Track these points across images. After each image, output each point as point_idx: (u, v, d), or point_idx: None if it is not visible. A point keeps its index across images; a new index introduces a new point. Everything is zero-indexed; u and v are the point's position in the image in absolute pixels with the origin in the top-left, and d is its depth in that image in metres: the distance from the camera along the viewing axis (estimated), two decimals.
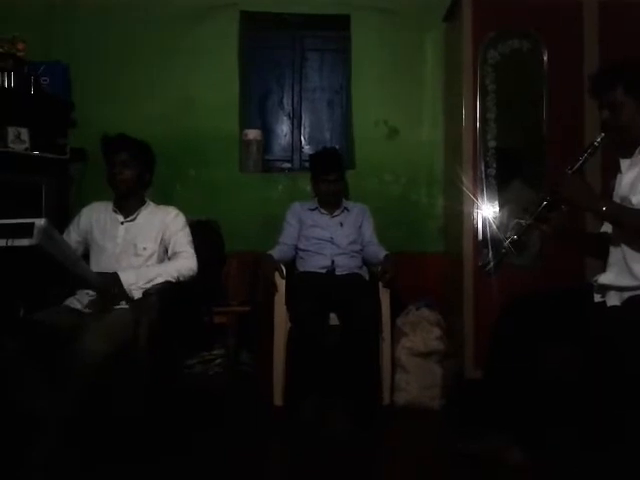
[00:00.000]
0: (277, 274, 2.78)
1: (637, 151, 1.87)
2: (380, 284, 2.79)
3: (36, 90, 3.10)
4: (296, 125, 3.68)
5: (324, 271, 2.85)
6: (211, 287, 2.69)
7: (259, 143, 3.48)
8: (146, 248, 2.26)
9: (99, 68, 3.38)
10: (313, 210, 3.00)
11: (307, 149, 3.65)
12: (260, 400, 2.74)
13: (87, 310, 2.16)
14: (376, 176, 3.43)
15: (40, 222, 1.56)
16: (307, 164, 3.25)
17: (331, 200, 2.98)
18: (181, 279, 2.22)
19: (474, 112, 2.97)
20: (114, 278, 2.10)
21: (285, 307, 2.73)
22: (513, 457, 1.97)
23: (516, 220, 2.02)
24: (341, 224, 2.96)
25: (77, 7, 3.38)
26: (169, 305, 2.16)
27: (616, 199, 1.94)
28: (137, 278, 2.13)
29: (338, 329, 2.66)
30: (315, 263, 2.88)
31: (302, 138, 3.69)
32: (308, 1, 3.45)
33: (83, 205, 2.48)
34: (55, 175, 3.08)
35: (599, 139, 1.87)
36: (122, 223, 2.30)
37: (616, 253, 1.91)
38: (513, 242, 1.94)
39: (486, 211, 2.97)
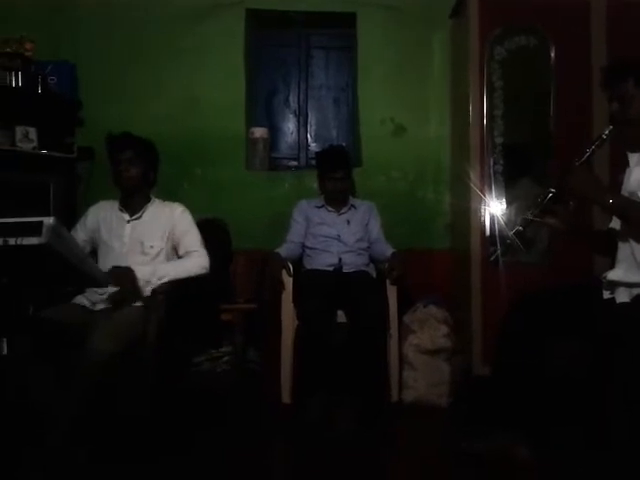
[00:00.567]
0: (284, 272, 2.78)
1: None
2: (387, 281, 2.79)
3: (43, 89, 3.11)
4: (302, 123, 3.68)
5: (331, 269, 2.85)
6: (218, 285, 2.70)
7: (265, 141, 3.48)
8: (153, 246, 2.28)
9: (106, 67, 3.39)
10: (320, 208, 3.00)
11: (313, 147, 3.65)
12: (267, 398, 2.75)
13: (99, 307, 2.17)
14: (383, 173, 3.42)
15: (49, 221, 1.56)
16: (313, 162, 3.25)
17: (338, 198, 2.98)
18: (194, 277, 2.22)
19: (481, 108, 2.96)
20: (129, 273, 2.11)
21: (292, 305, 2.74)
22: (520, 455, 1.97)
23: (523, 215, 2.01)
24: (348, 222, 2.95)
25: (84, 7, 3.39)
26: (177, 303, 2.17)
27: (624, 194, 1.93)
28: (152, 275, 2.14)
29: (345, 327, 2.66)
30: (322, 261, 2.88)
31: (308, 136, 3.68)
32: None
33: (90, 204, 2.50)
34: (63, 174, 3.09)
35: (607, 132, 1.86)
36: (128, 222, 2.32)
37: (625, 249, 1.89)
38: (518, 233, 1.93)
39: (493, 207, 2.96)
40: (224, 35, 3.45)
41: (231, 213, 3.14)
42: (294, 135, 3.69)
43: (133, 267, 2.13)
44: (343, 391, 2.56)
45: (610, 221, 2.03)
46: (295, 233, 2.96)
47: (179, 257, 2.33)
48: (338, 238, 2.90)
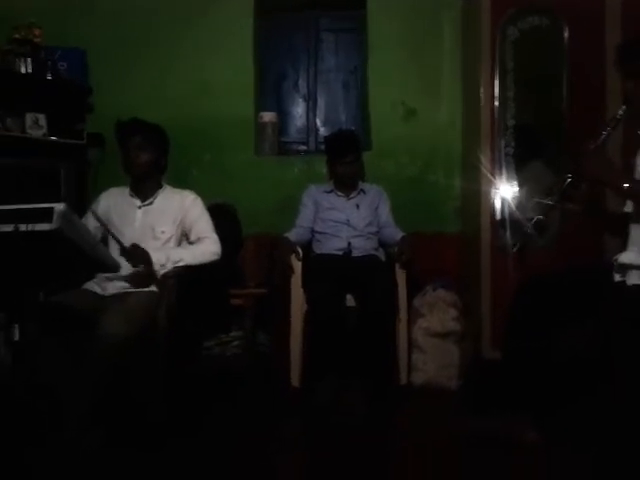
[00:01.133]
0: (294, 256, 2.79)
1: None
2: (397, 265, 2.79)
3: (53, 76, 3.13)
4: (311, 107, 3.66)
5: (340, 253, 2.85)
6: (228, 270, 2.72)
7: (274, 126, 3.47)
8: (164, 231, 2.29)
9: (115, 53, 3.40)
10: (329, 192, 2.99)
11: (323, 131, 3.63)
12: (277, 381, 2.77)
13: (110, 292, 2.18)
14: (393, 157, 3.40)
15: (60, 207, 1.58)
16: (323, 146, 3.24)
17: (347, 182, 2.97)
18: (206, 263, 2.24)
19: (492, 90, 2.92)
20: (146, 255, 2.12)
21: (302, 289, 2.74)
22: (528, 437, 1.98)
23: (536, 200, 2.00)
24: (357, 206, 2.95)
25: None
26: (188, 288, 2.19)
27: (637, 175, 1.91)
28: (166, 259, 2.16)
29: (354, 311, 2.67)
30: (331, 245, 2.88)
31: (317, 120, 3.66)
32: None
33: (101, 190, 2.51)
34: (73, 160, 3.11)
35: (621, 112, 1.84)
36: (139, 207, 2.33)
37: (637, 232, 1.88)
38: (539, 222, 1.91)
39: (504, 190, 2.94)
40: (233, 19, 3.44)
41: (241, 198, 3.14)
42: (303, 119, 3.67)
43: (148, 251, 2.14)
44: (352, 374, 2.57)
45: (625, 204, 2.01)
46: (304, 218, 2.96)
47: (190, 243, 2.34)
48: (347, 223, 2.90)
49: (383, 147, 3.41)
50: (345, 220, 2.90)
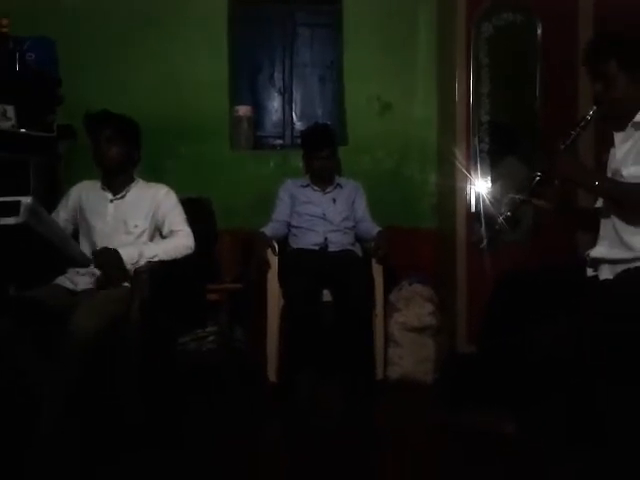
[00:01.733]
0: (270, 251, 2.77)
1: (630, 124, 1.86)
2: (373, 260, 2.79)
3: (21, 66, 3.03)
4: (287, 101, 3.63)
5: (317, 248, 2.84)
6: (203, 264, 2.68)
7: (250, 119, 3.43)
8: (137, 225, 2.24)
9: (86, 43, 3.33)
10: (305, 187, 2.98)
11: (299, 125, 3.61)
12: (254, 376, 2.75)
13: (81, 287, 2.14)
14: (369, 152, 3.40)
15: (26, 200, 1.53)
16: (299, 140, 3.22)
17: (323, 177, 2.96)
18: (179, 257, 2.20)
19: (467, 86, 2.94)
20: (115, 256, 2.07)
21: (278, 284, 2.73)
22: (506, 429, 2.00)
23: (510, 196, 2.02)
24: (334, 200, 2.94)
25: None
26: (161, 283, 2.15)
27: (609, 172, 1.94)
28: (139, 256, 2.11)
29: (331, 306, 2.66)
30: (308, 240, 2.87)
31: (293, 114, 3.64)
32: None
33: (73, 183, 2.45)
34: (43, 153, 3.02)
35: (591, 112, 1.87)
36: (111, 201, 2.28)
37: (607, 226, 1.91)
38: (507, 218, 1.94)
39: (479, 186, 2.96)
40: (207, 11, 3.39)
41: (216, 192, 3.08)
42: (279, 113, 3.65)
43: (119, 249, 2.09)
44: (329, 370, 2.57)
45: (596, 200, 2.04)
46: (280, 212, 2.94)
47: (163, 237, 2.31)
48: (324, 217, 2.89)
49: (359, 142, 3.41)
50: (321, 214, 2.89)
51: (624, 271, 1.82)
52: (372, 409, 2.46)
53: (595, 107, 1.87)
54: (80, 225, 2.30)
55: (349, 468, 1.91)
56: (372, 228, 2.88)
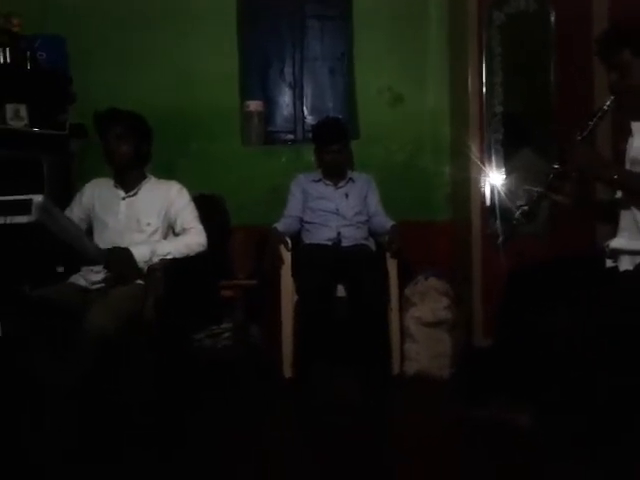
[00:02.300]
0: (283, 247, 2.76)
1: None
2: (387, 255, 2.76)
3: (33, 65, 3.05)
4: (298, 95, 3.61)
5: (330, 243, 2.82)
6: (217, 261, 2.68)
7: (261, 115, 3.42)
8: (150, 224, 2.24)
9: (97, 41, 3.33)
10: (318, 182, 2.96)
11: (310, 119, 3.58)
12: (269, 372, 2.75)
13: (96, 286, 2.15)
14: (381, 145, 3.37)
15: (38, 198, 1.53)
16: (310, 135, 3.19)
17: (335, 171, 2.93)
18: (192, 255, 2.20)
19: (480, 76, 2.91)
20: (127, 255, 2.07)
21: (292, 280, 2.72)
22: (522, 422, 1.97)
23: (526, 189, 1.99)
24: (346, 195, 2.91)
25: None
26: (175, 280, 2.15)
27: (627, 162, 1.90)
28: (151, 254, 2.11)
29: (345, 301, 2.64)
30: (321, 235, 2.85)
31: (304, 108, 3.61)
32: None
33: (85, 181, 2.47)
34: (56, 151, 3.05)
35: (608, 102, 1.83)
36: (123, 198, 2.28)
37: (627, 217, 1.88)
38: (524, 213, 1.91)
39: (493, 177, 2.93)
40: (216, 6, 3.38)
41: (228, 189, 3.09)
42: (290, 108, 3.62)
43: (131, 247, 2.10)
44: (344, 365, 2.55)
45: (615, 192, 2.00)
46: (293, 207, 2.92)
47: (175, 235, 2.30)
48: (336, 212, 2.87)
49: (371, 135, 3.37)
50: (334, 209, 2.87)
51: None
52: (388, 404, 2.44)
53: (612, 97, 1.83)
54: (93, 222, 2.31)
55: (364, 463, 1.90)
56: (385, 222, 2.86)
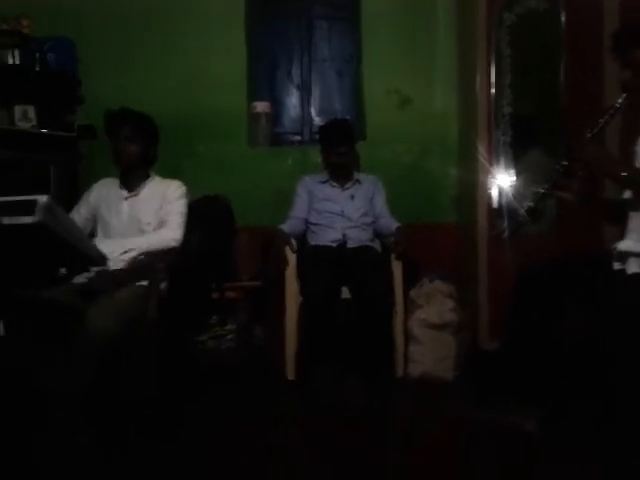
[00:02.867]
0: (288, 248, 2.75)
1: None
2: (392, 256, 2.75)
3: (42, 67, 3.08)
4: (305, 96, 3.60)
5: (335, 244, 2.81)
6: (222, 263, 2.67)
7: (268, 116, 3.42)
8: (150, 223, 2.24)
9: (105, 43, 3.34)
10: (324, 183, 2.95)
11: (317, 121, 3.57)
12: (273, 374, 2.75)
13: (96, 287, 2.15)
14: (388, 146, 3.36)
15: (42, 199, 1.53)
16: (317, 136, 3.19)
17: (342, 173, 2.92)
18: (164, 249, 2.15)
19: (488, 77, 2.89)
20: (107, 278, 2.06)
21: (296, 281, 2.71)
22: (528, 427, 1.96)
23: (534, 189, 1.97)
24: (352, 197, 2.90)
25: None
26: (179, 281, 2.15)
27: (637, 161, 1.88)
28: (121, 247, 2.08)
29: (349, 303, 2.63)
30: (326, 237, 2.84)
31: (312, 110, 3.61)
32: None
33: (93, 182, 2.47)
34: (63, 153, 3.07)
35: (620, 100, 1.81)
36: (126, 198, 2.29)
37: (636, 219, 1.86)
38: (530, 210, 1.90)
39: (501, 179, 2.91)
40: (224, 8, 3.38)
41: (234, 190, 3.06)
42: (297, 109, 3.62)
43: (99, 244, 2.00)
44: (349, 366, 2.54)
45: (623, 191, 1.98)
46: (298, 209, 2.92)
47: None
48: (342, 214, 2.86)
49: (378, 136, 3.36)
50: (340, 211, 2.86)
51: None
52: (392, 406, 2.43)
53: (624, 95, 1.81)
54: (98, 222, 2.31)
55: (368, 465, 1.89)
56: (391, 224, 2.84)
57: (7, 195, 1.56)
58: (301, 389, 2.59)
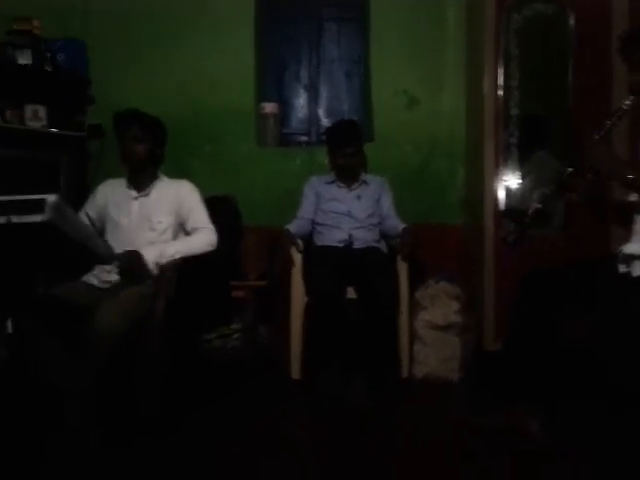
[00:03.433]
0: (294, 248, 2.76)
1: None
2: (398, 257, 2.75)
3: (53, 67, 3.11)
4: (313, 97, 3.61)
5: (341, 245, 2.82)
6: (229, 262, 2.69)
7: (276, 117, 3.43)
8: (161, 222, 2.27)
9: (115, 43, 3.37)
10: (331, 184, 2.96)
11: (325, 122, 3.58)
12: (278, 373, 2.76)
13: (107, 285, 2.17)
14: (395, 147, 3.36)
15: (51, 198, 1.56)
16: (325, 137, 3.20)
17: (349, 174, 2.93)
18: (201, 253, 2.23)
19: (496, 79, 2.89)
20: (137, 256, 2.10)
21: (302, 281, 2.72)
22: (532, 429, 1.96)
23: (541, 191, 1.98)
24: (359, 197, 2.91)
25: None
26: (186, 280, 2.17)
27: None
28: (160, 255, 2.14)
29: (355, 303, 2.64)
30: (333, 237, 2.85)
31: (320, 111, 3.62)
32: None
33: (102, 182, 2.49)
34: (73, 152, 3.10)
35: (628, 102, 1.81)
36: (136, 198, 2.32)
37: None
38: (537, 212, 1.90)
39: (508, 181, 2.90)
40: (233, 8, 3.40)
41: (242, 190, 3.10)
42: (305, 110, 3.63)
43: (142, 249, 2.13)
44: (353, 367, 2.55)
45: (630, 193, 1.97)
46: (305, 209, 2.93)
47: (187, 234, 2.33)
48: (349, 214, 2.86)
49: (386, 137, 3.37)
50: (346, 211, 2.87)
51: None
52: (397, 407, 2.43)
53: (632, 97, 1.81)
54: (106, 222, 2.34)
55: (373, 466, 1.89)
56: (397, 224, 2.85)
57: (17, 194, 1.59)
58: (306, 389, 2.60)
